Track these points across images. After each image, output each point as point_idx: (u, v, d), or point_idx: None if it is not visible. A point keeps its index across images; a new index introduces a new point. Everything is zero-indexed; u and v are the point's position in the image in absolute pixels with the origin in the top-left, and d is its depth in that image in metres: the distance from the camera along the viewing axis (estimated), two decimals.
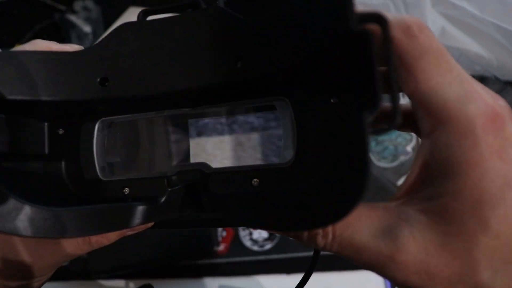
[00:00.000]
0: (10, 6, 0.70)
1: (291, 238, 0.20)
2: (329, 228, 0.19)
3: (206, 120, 0.24)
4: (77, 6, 0.67)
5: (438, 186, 0.18)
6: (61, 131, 0.25)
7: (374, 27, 0.16)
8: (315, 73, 0.20)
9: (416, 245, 0.17)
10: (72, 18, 0.66)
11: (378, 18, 0.16)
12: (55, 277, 0.49)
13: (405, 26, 0.18)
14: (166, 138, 0.25)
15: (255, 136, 0.23)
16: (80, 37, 0.67)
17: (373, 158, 0.52)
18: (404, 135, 0.54)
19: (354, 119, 0.17)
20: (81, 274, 0.49)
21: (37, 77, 0.22)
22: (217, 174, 0.22)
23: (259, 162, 0.23)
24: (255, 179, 0.21)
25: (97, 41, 0.23)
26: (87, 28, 0.67)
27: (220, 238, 0.49)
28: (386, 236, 0.18)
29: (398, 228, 0.18)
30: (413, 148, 0.53)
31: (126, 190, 0.23)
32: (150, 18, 0.23)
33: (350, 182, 0.17)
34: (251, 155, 0.23)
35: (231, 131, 0.24)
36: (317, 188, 0.19)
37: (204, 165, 0.22)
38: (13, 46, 0.62)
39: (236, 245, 0.49)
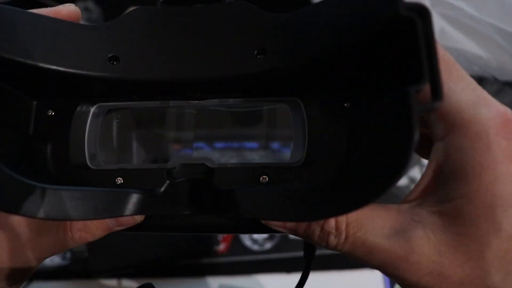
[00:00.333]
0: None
1: (300, 238, 0.20)
2: (342, 228, 0.19)
3: (212, 113, 0.23)
4: (78, 7, 0.67)
5: (452, 188, 0.18)
6: (50, 112, 0.23)
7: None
8: (333, 75, 0.20)
9: (430, 246, 0.18)
10: None
11: (421, 9, 0.16)
12: (55, 277, 0.49)
13: None
14: (168, 129, 0.24)
15: (263, 133, 0.23)
16: None
17: None
18: None
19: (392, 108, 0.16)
20: (82, 274, 0.49)
21: (35, 40, 0.20)
22: (222, 170, 0.21)
23: (267, 160, 0.22)
24: (263, 176, 0.21)
25: (110, 21, 0.21)
26: None
27: (220, 238, 0.50)
28: (400, 237, 0.18)
29: (411, 229, 0.18)
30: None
31: (119, 180, 0.22)
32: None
33: (386, 169, 0.16)
34: (259, 152, 0.23)
35: (238, 126, 0.23)
36: (337, 181, 0.18)
37: (208, 159, 0.21)
38: None
39: (236, 244, 0.49)
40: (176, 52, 0.21)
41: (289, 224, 0.20)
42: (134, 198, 0.20)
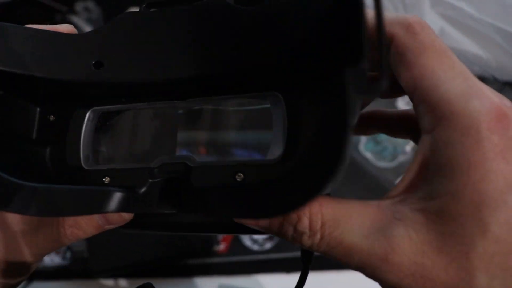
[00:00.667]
0: (12, 8, 0.70)
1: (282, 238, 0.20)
2: (317, 228, 0.18)
3: (196, 113, 0.24)
4: (78, 7, 0.67)
5: (438, 185, 0.17)
6: (51, 118, 0.25)
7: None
8: (310, 66, 0.20)
9: (412, 246, 0.17)
10: (73, 19, 0.66)
11: None
12: (55, 277, 0.49)
13: (407, 24, 0.18)
14: (154, 130, 0.24)
15: (243, 131, 0.23)
16: None
17: (372, 158, 0.53)
18: None
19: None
20: (82, 274, 0.49)
21: (28, 52, 0.22)
22: (200, 168, 0.21)
23: (246, 157, 0.22)
24: (239, 174, 0.20)
25: (97, 28, 0.23)
26: (88, 29, 0.67)
27: (220, 238, 0.50)
28: (380, 236, 0.17)
29: (392, 227, 0.17)
30: (412, 148, 0.53)
31: (106, 179, 0.23)
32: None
33: (327, 155, 0.16)
34: (238, 149, 0.23)
35: (220, 125, 0.23)
36: (293, 173, 0.18)
37: (188, 158, 0.22)
38: None
39: (236, 244, 0.49)
40: (158, 54, 0.22)
41: (262, 223, 0.19)
42: (117, 196, 0.21)
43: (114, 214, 0.22)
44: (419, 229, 0.17)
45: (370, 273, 0.18)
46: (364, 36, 0.15)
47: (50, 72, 0.22)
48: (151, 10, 0.23)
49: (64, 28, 0.24)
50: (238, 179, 0.20)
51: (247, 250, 0.49)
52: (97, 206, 0.20)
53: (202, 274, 0.49)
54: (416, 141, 0.26)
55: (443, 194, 0.17)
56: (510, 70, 0.51)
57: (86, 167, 0.24)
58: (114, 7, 0.67)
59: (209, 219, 0.22)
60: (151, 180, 0.22)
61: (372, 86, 0.15)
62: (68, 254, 0.50)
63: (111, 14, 0.69)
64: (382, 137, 0.54)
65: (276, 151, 0.20)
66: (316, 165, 0.16)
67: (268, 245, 0.49)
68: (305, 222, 0.18)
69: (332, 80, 0.17)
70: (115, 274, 0.49)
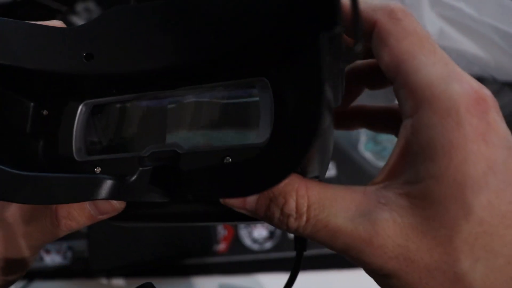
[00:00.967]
0: (13, 8, 0.70)
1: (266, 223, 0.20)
2: (303, 210, 0.18)
3: (184, 101, 0.24)
4: (79, 7, 0.67)
5: (420, 169, 0.17)
6: (45, 112, 0.25)
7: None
8: (292, 48, 0.20)
9: (396, 229, 0.17)
10: (74, 19, 0.66)
11: None
12: (56, 276, 0.49)
13: (389, 10, 0.18)
14: (145, 120, 0.25)
15: (231, 115, 0.23)
16: None
17: (372, 158, 0.53)
18: None
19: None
20: (82, 273, 0.49)
21: (21, 45, 0.22)
22: (189, 155, 0.22)
23: (234, 142, 0.22)
24: (227, 157, 0.21)
25: (88, 21, 0.24)
26: None
27: (220, 237, 0.50)
28: (365, 219, 0.17)
29: (377, 212, 0.17)
30: None
31: (97, 169, 0.23)
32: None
33: (304, 126, 0.16)
34: (226, 134, 0.23)
35: (208, 112, 0.23)
36: (275, 151, 0.18)
37: (177, 145, 0.22)
38: None
39: (236, 244, 0.50)
40: (146, 44, 0.22)
41: (249, 205, 0.19)
42: (107, 184, 0.21)
43: (105, 204, 0.22)
44: (403, 214, 0.17)
45: (354, 256, 0.18)
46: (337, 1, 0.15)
47: (42, 64, 0.23)
48: (140, 3, 0.23)
49: (54, 24, 0.24)
50: (226, 163, 0.21)
51: (247, 250, 0.49)
52: (87, 193, 0.21)
53: (202, 273, 0.49)
54: (387, 129, 0.26)
55: (426, 178, 0.17)
56: (509, 70, 0.51)
57: (78, 159, 0.24)
58: None
59: (199, 207, 0.22)
60: (141, 168, 0.22)
61: (347, 50, 0.15)
62: (69, 254, 0.50)
63: None
64: (382, 137, 0.54)
65: (263, 135, 0.21)
66: (295, 138, 0.16)
67: (268, 245, 0.49)
68: (291, 204, 0.18)
69: (307, 51, 0.16)
70: (115, 273, 0.49)
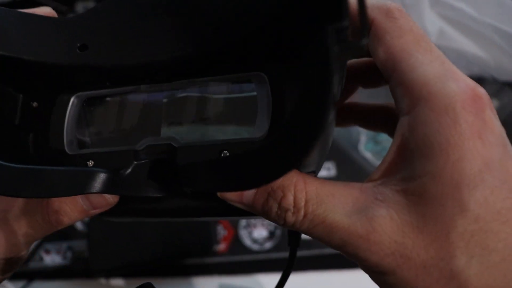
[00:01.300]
0: (12, 7, 0.70)
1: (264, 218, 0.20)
2: (301, 205, 0.18)
3: (180, 94, 0.23)
4: (79, 7, 0.67)
5: (417, 166, 0.17)
6: (35, 104, 0.24)
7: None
8: (290, 43, 0.20)
9: (393, 226, 0.17)
10: None
11: None
12: (56, 277, 0.49)
13: (386, 9, 0.19)
14: (139, 113, 0.24)
15: (228, 110, 0.23)
16: None
17: (372, 158, 0.53)
18: None
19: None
20: (82, 273, 0.49)
21: (13, 34, 0.22)
22: (185, 148, 0.21)
23: (231, 136, 0.22)
24: (224, 151, 0.21)
25: (82, 12, 0.23)
26: None
27: (220, 237, 0.50)
28: (362, 215, 0.17)
29: (374, 208, 0.17)
30: None
31: (90, 163, 0.23)
32: None
33: (309, 120, 0.15)
34: (223, 129, 0.23)
35: (204, 105, 0.23)
36: (276, 145, 0.18)
37: (173, 139, 0.22)
38: None
39: (236, 244, 0.50)
40: (142, 36, 0.22)
41: (246, 199, 0.19)
42: (100, 177, 0.20)
43: (98, 197, 0.22)
44: (400, 210, 0.17)
45: (351, 252, 0.18)
46: None
47: (33, 54, 0.22)
48: None
49: (42, 11, 0.24)
50: (223, 156, 0.20)
51: (247, 250, 0.49)
52: (80, 186, 0.20)
53: (202, 273, 0.49)
54: (391, 134, 0.26)
55: (423, 175, 0.17)
56: (509, 70, 0.51)
57: (69, 152, 0.24)
58: None
59: (194, 202, 0.22)
60: (136, 162, 0.22)
61: (353, 43, 0.15)
62: (69, 254, 0.50)
63: None
64: (382, 137, 0.54)
65: (261, 129, 0.21)
66: (299, 132, 0.16)
67: (268, 245, 0.49)
68: (289, 198, 0.18)
69: (313, 44, 0.16)
70: (115, 273, 0.49)
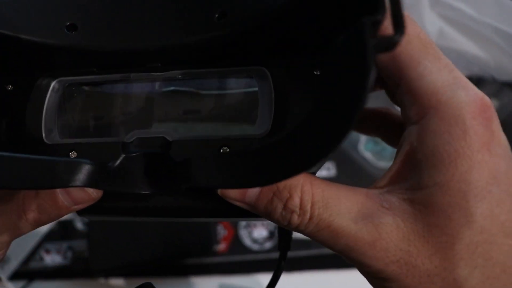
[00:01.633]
0: None
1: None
2: (307, 207, 0.18)
3: (174, 87, 0.22)
4: None
5: (425, 176, 0.17)
6: (9, 87, 0.22)
7: None
8: (299, 38, 0.19)
9: (399, 234, 0.17)
10: None
11: None
12: (56, 276, 0.49)
13: None
14: (128, 103, 0.22)
15: (226, 105, 0.21)
16: None
17: (372, 158, 0.53)
18: None
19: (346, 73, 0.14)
20: (82, 273, 0.49)
21: None
22: (180, 142, 0.20)
23: (229, 132, 0.20)
24: (224, 147, 0.19)
25: None
26: None
27: (220, 237, 0.50)
28: (368, 222, 0.17)
29: (380, 215, 0.17)
30: None
31: (73, 154, 0.21)
32: None
33: (336, 120, 0.14)
34: (221, 124, 0.21)
35: (200, 100, 0.22)
36: (289, 142, 0.16)
37: (167, 133, 0.20)
38: None
39: (236, 244, 0.49)
40: (136, 21, 0.20)
41: (248, 199, 0.18)
42: (84, 169, 0.18)
43: (80, 192, 0.20)
44: (406, 219, 0.17)
45: (355, 258, 0.18)
46: None
47: (13, 28, 0.20)
48: None
49: None
50: (223, 152, 0.19)
51: (247, 250, 0.49)
52: (61, 179, 0.18)
53: (202, 273, 0.49)
54: (384, 138, 0.26)
55: (430, 185, 0.17)
56: (508, 71, 0.51)
57: (48, 142, 0.22)
58: None
59: (186, 200, 0.20)
60: (124, 155, 0.20)
61: (386, 39, 0.14)
62: (69, 254, 0.50)
63: None
64: None
65: (263, 126, 0.20)
66: (323, 131, 0.15)
67: (268, 245, 0.49)
68: (296, 200, 0.18)
69: (344, 39, 0.15)
70: (115, 273, 0.49)
